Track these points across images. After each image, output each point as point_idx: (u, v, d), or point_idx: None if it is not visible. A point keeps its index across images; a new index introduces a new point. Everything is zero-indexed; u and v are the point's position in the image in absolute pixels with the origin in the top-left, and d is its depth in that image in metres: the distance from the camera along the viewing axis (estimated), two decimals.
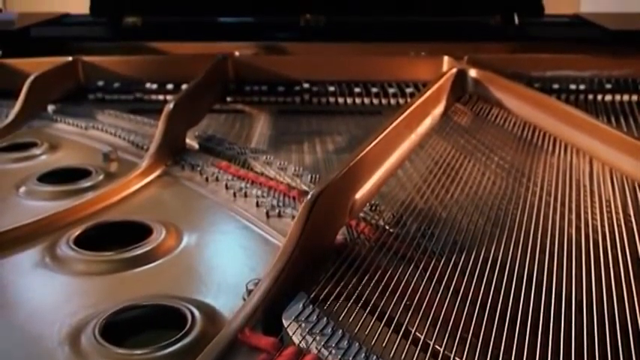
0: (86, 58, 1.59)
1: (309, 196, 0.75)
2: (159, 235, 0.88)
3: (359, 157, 0.88)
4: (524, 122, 1.27)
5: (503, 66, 1.47)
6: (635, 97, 1.44)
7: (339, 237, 0.84)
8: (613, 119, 1.37)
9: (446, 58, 1.50)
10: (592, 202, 0.98)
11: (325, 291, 0.70)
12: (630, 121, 1.36)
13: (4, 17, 2.04)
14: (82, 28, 1.82)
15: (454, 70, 1.36)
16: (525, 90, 1.31)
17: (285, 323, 0.65)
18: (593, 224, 0.91)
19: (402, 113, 1.11)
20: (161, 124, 1.17)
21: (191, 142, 1.26)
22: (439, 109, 1.30)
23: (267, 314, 0.67)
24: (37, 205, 1.02)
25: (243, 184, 1.05)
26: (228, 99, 1.51)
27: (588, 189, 1.02)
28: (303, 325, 0.64)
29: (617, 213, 0.94)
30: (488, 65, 1.44)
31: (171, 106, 1.18)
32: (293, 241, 0.73)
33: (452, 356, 0.61)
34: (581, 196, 0.99)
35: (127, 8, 1.73)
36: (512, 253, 0.82)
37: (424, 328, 0.65)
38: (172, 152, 1.17)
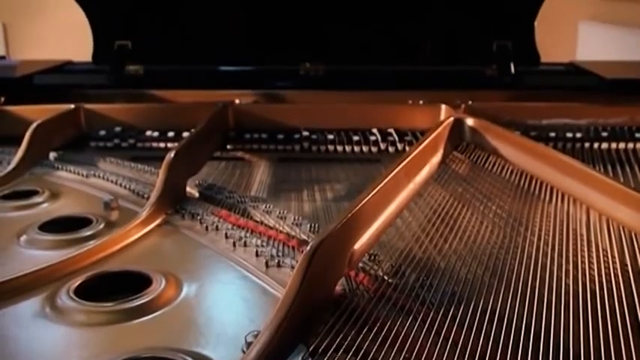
0: (88, 106, 1.61)
1: (308, 248, 0.76)
2: (158, 286, 0.88)
3: (358, 207, 0.88)
4: (521, 171, 1.29)
5: (500, 114, 1.49)
6: (631, 145, 1.46)
7: (338, 288, 0.84)
8: (609, 167, 1.38)
9: (443, 107, 1.52)
10: (589, 251, 0.99)
11: (324, 343, 0.71)
12: (627, 168, 1.37)
13: (7, 64, 2.07)
14: (85, 75, 1.84)
15: (451, 119, 1.38)
16: (521, 139, 1.32)
17: None
18: (590, 274, 0.91)
19: (401, 162, 1.12)
20: (162, 173, 1.18)
21: (191, 190, 1.27)
22: (437, 158, 1.31)
23: None
24: (38, 255, 1.03)
25: (242, 233, 1.06)
26: (229, 146, 1.52)
27: (585, 238, 1.03)
28: None
29: (613, 263, 0.94)
30: (485, 114, 1.46)
31: (171, 155, 1.20)
32: (292, 293, 0.73)
33: None
34: (578, 246, 1.00)
35: (129, 57, 1.75)
36: (511, 304, 0.82)
37: None
38: (173, 201, 1.18)
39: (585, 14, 4.35)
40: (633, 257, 0.95)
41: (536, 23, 1.69)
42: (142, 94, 1.72)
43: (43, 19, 4.96)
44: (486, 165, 1.33)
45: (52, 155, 1.50)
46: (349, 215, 0.85)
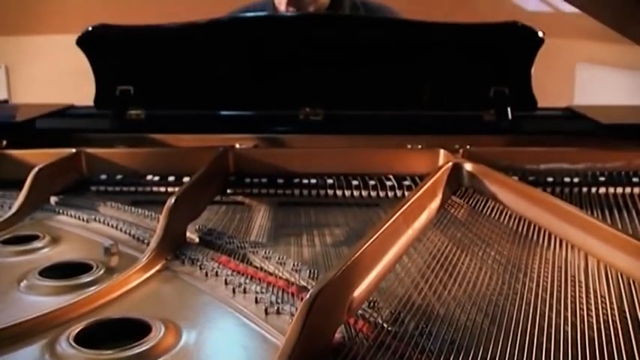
0: (89, 150, 1.62)
1: (307, 296, 0.76)
2: (158, 333, 0.89)
3: (357, 254, 0.89)
4: (519, 216, 1.29)
5: (497, 159, 1.51)
6: (628, 190, 1.46)
7: (337, 335, 0.84)
8: (607, 212, 1.38)
9: (442, 152, 1.53)
10: (587, 298, 0.99)
11: None
12: (624, 213, 1.37)
13: (9, 108, 2.09)
14: (87, 120, 1.86)
15: (450, 164, 1.39)
16: (519, 185, 1.33)
17: None
18: (588, 321, 0.92)
19: (399, 209, 1.13)
20: (162, 218, 1.18)
21: (191, 235, 1.27)
22: (436, 203, 1.32)
23: None
24: (38, 301, 1.03)
25: (242, 280, 1.06)
26: (229, 191, 1.53)
27: (584, 285, 1.03)
28: None
29: (612, 309, 0.95)
30: (483, 158, 1.48)
31: (172, 200, 1.21)
32: (292, 342, 0.73)
33: None
34: (576, 293, 1.00)
35: (130, 101, 1.77)
36: (510, 351, 0.83)
37: None
38: (173, 246, 1.18)
39: (583, 56, 4.40)
40: (632, 304, 0.96)
41: (533, 69, 1.71)
42: (143, 138, 1.74)
43: (44, 61, 5.01)
44: (485, 210, 1.34)
45: (53, 199, 1.51)
46: (348, 263, 0.86)
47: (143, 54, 1.81)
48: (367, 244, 0.94)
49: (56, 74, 4.70)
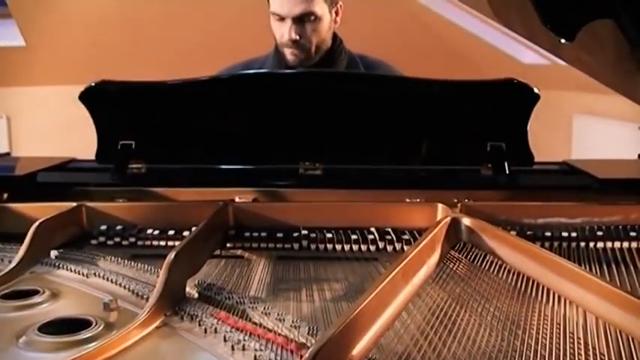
0: (90, 204, 1.63)
1: (307, 355, 0.76)
2: None
3: (356, 312, 0.90)
4: (517, 271, 1.30)
5: (495, 213, 1.52)
6: (626, 244, 1.47)
7: None
8: (605, 267, 1.39)
9: (440, 206, 1.54)
10: (586, 355, 0.99)
11: None
12: (622, 268, 1.38)
13: (11, 161, 2.10)
14: (88, 173, 1.87)
15: (448, 219, 1.40)
16: (517, 240, 1.34)
17: None
18: None
19: (398, 264, 1.14)
20: (162, 274, 1.19)
21: (191, 290, 1.28)
22: (434, 258, 1.33)
23: None
24: (37, 357, 1.03)
25: (241, 336, 1.06)
26: (228, 245, 1.53)
27: (582, 342, 1.03)
28: None
29: None
30: (481, 213, 1.49)
31: (172, 256, 1.21)
32: None
33: None
34: (575, 350, 1.01)
35: (131, 155, 1.79)
36: None
37: None
38: (172, 302, 1.19)
39: (580, 108, 4.44)
40: None
41: (530, 122, 1.73)
42: (143, 191, 1.75)
43: (45, 112, 5.05)
44: (483, 264, 1.35)
45: (53, 253, 1.51)
46: (347, 320, 0.87)
47: (144, 109, 1.84)
48: (366, 301, 0.94)
49: (57, 125, 4.73)
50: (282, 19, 2.20)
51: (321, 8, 2.20)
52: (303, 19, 2.19)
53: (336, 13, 2.29)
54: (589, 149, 4.37)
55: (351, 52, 2.37)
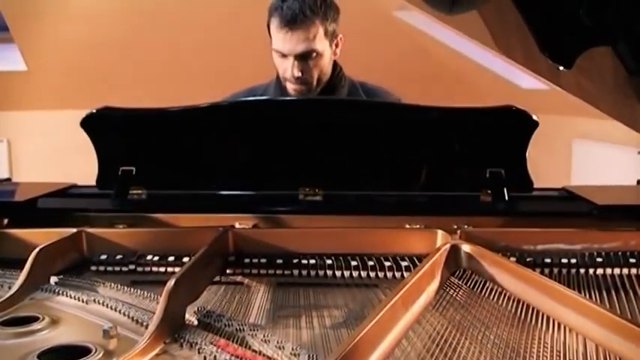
0: (90, 230, 1.63)
1: None
2: None
3: (355, 340, 0.90)
4: (517, 298, 1.30)
5: (495, 240, 1.52)
6: (625, 271, 1.47)
7: None
8: (605, 293, 1.39)
9: (440, 233, 1.54)
10: None
11: None
12: (622, 294, 1.38)
13: (12, 186, 2.11)
14: (88, 199, 1.87)
15: (448, 246, 1.41)
16: (517, 267, 1.34)
17: None
18: None
19: (398, 291, 1.14)
20: (162, 301, 1.19)
21: (190, 317, 1.28)
22: (434, 285, 1.33)
23: None
24: None
25: None
26: (228, 271, 1.53)
27: None
28: None
29: None
30: (481, 239, 1.49)
31: (172, 283, 1.21)
32: None
33: None
34: None
35: (132, 181, 1.80)
36: None
37: None
38: (172, 329, 1.19)
39: (579, 132, 4.46)
40: None
41: (530, 147, 1.74)
42: (143, 217, 1.75)
43: (46, 136, 5.07)
44: (483, 291, 1.35)
45: (53, 279, 1.51)
46: (347, 348, 0.87)
47: (145, 135, 1.85)
48: (366, 328, 0.94)
49: (58, 149, 4.75)
50: (284, 55, 2.23)
51: (322, 45, 2.23)
52: (305, 57, 2.22)
53: (336, 45, 2.32)
54: (589, 174, 4.39)
55: (351, 78, 2.39)
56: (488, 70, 4.28)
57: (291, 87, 2.27)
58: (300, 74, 2.22)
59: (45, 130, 5.07)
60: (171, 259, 1.56)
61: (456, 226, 1.58)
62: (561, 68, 1.49)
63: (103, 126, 1.81)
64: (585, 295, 1.37)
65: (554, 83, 1.72)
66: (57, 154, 4.75)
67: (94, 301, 1.38)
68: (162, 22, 4.52)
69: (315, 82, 2.27)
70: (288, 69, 2.23)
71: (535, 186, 1.77)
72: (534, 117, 1.71)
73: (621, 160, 4.05)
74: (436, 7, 1.82)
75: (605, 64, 1.52)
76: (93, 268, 1.58)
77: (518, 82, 4.28)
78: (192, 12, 4.48)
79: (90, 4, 4.38)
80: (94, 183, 1.87)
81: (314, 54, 2.22)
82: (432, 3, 1.82)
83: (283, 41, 2.20)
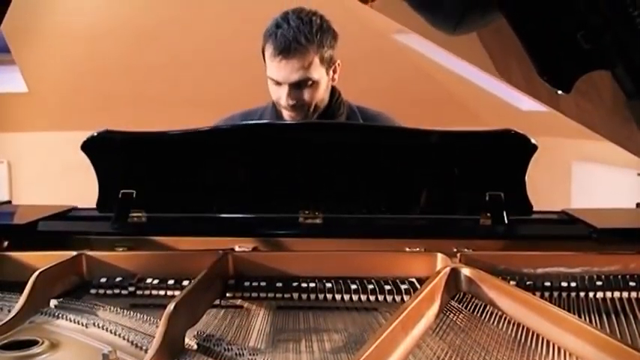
0: (90, 253, 1.63)
1: None
2: None
3: None
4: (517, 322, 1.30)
5: (495, 263, 1.52)
6: (625, 294, 1.47)
7: None
8: (605, 317, 1.39)
9: (439, 256, 1.54)
10: None
11: None
12: (622, 318, 1.38)
13: (12, 209, 2.11)
14: (89, 222, 1.88)
15: (448, 269, 1.41)
16: (517, 291, 1.35)
17: None
18: None
19: (398, 316, 1.14)
20: (161, 325, 1.19)
21: (190, 341, 1.27)
22: (434, 309, 1.33)
23: None
24: None
25: None
26: (228, 294, 1.53)
27: None
28: None
29: None
30: (481, 262, 1.50)
31: (171, 307, 1.21)
32: None
33: None
34: None
35: (132, 204, 1.80)
36: None
37: None
38: (171, 354, 1.18)
39: (579, 154, 4.47)
40: None
41: (529, 170, 1.74)
42: (144, 240, 1.75)
43: (47, 158, 5.08)
44: (483, 315, 1.35)
45: (53, 302, 1.51)
46: None
47: (145, 159, 1.86)
48: (366, 353, 0.94)
49: (58, 170, 4.75)
50: (278, 83, 2.20)
51: (318, 73, 2.19)
52: (300, 85, 2.19)
53: (334, 71, 2.29)
54: (589, 195, 4.39)
55: (350, 103, 2.38)
56: (488, 92, 4.29)
57: (286, 114, 2.25)
58: (294, 102, 2.20)
59: (45, 152, 5.07)
60: (170, 282, 1.56)
61: (455, 249, 1.58)
62: (560, 92, 1.49)
63: (103, 149, 1.81)
64: (585, 318, 1.37)
65: (554, 108, 1.73)
66: (57, 176, 4.75)
67: (94, 324, 1.38)
68: (162, 44, 4.54)
69: (311, 109, 2.24)
70: (282, 97, 2.20)
71: (535, 208, 1.77)
72: (533, 141, 1.72)
73: (621, 181, 4.06)
74: (440, 28, 1.83)
75: (605, 86, 1.52)
76: (93, 291, 1.58)
77: (518, 104, 4.30)
78: (192, 34, 4.51)
79: (90, 26, 4.40)
80: (94, 204, 1.87)
81: (309, 82, 2.18)
82: (436, 23, 1.83)
83: (277, 69, 2.17)
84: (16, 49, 4.59)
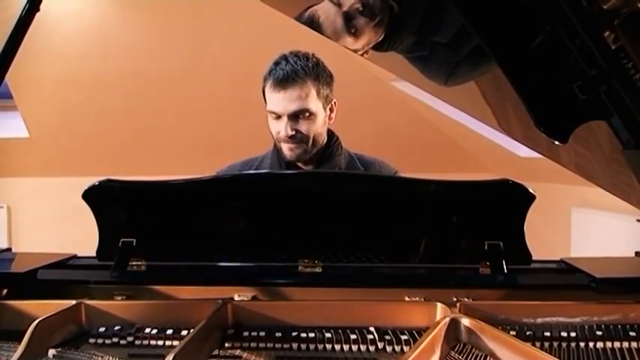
0: (89, 302, 1.63)
1: None
2: None
3: None
4: None
5: (494, 313, 1.53)
6: (625, 344, 1.47)
7: None
8: None
9: (439, 306, 1.55)
10: None
11: None
12: None
13: (12, 256, 2.11)
14: (88, 271, 1.87)
15: (447, 320, 1.41)
16: (516, 342, 1.34)
17: None
18: None
19: None
20: None
21: None
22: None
23: None
24: None
25: None
26: (227, 344, 1.53)
27: None
28: None
29: None
30: (481, 312, 1.50)
31: (170, 358, 1.21)
32: None
33: None
34: None
35: (132, 253, 1.81)
36: None
37: None
38: None
39: (578, 201, 4.48)
40: None
41: (527, 220, 1.75)
42: (143, 289, 1.75)
43: (46, 203, 5.09)
44: None
45: (51, 352, 1.50)
46: None
47: (146, 207, 1.87)
48: None
49: (58, 216, 4.77)
50: (278, 117, 2.30)
51: (315, 106, 2.29)
52: (298, 116, 2.28)
53: (331, 110, 2.38)
54: (588, 242, 4.39)
55: (348, 150, 2.43)
56: (486, 139, 4.32)
57: (285, 147, 2.31)
58: (293, 133, 2.28)
59: (45, 197, 5.10)
60: (169, 332, 1.55)
61: (455, 299, 1.58)
62: (557, 143, 1.51)
63: (104, 198, 1.83)
64: None
65: (553, 160, 1.75)
66: (57, 221, 4.76)
67: None
68: (163, 92, 4.60)
69: (310, 143, 2.31)
70: (282, 130, 2.28)
71: (535, 254, 1.78)
72: (531, 191, 1.73)
73: (621, 227, 4.07)
74: (432, 79, 1.87)
75: (602, 134, 1.54)
76: (91, 340, 1.57)
77: (516, 150, 4.32)
78: (194, 82, 4.56)
79: (92, 73, 4.46)
80: (94, 250, 1.87)
81: (307, 113, 2.28)
82: (428, 75, 1.87)
83: (277, 101, 2.27)
84: (18, 95, 4.64)
